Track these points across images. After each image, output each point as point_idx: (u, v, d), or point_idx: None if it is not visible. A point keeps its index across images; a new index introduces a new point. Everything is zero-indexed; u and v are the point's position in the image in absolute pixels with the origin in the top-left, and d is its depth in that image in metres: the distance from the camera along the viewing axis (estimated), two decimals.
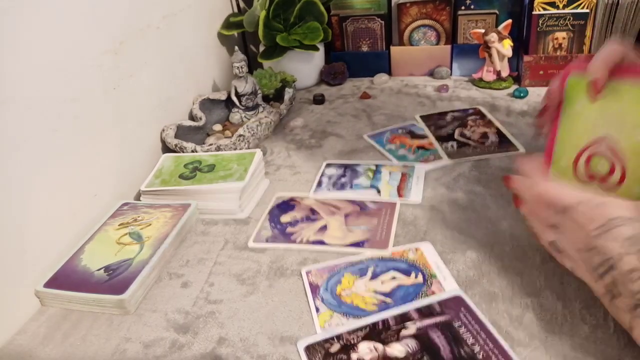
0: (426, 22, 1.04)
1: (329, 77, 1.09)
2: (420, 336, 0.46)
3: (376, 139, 0.84)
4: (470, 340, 0.45)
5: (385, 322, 0.48)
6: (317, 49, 1.04)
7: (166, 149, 0.81)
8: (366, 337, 0.47)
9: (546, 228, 0.45)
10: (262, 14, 0.98)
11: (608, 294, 0.39)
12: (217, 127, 0.90)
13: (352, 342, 0.46)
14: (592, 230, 0.39)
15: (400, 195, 0.68)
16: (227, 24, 1.04)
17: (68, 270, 0.57)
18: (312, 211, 0.67)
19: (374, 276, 0.54)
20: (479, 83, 1.00)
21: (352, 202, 0.68)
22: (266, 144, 0.87)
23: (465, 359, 0.43)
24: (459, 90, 1.00)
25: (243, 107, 0.91)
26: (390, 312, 0.49)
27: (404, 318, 0.48)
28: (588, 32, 0.92)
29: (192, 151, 0.77)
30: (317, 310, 0.51)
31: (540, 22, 0.92)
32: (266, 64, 1.04)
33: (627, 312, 0.38)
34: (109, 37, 0.70)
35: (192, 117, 0.90)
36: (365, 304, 0.51)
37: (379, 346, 0.45)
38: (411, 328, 0.47)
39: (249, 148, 0.82)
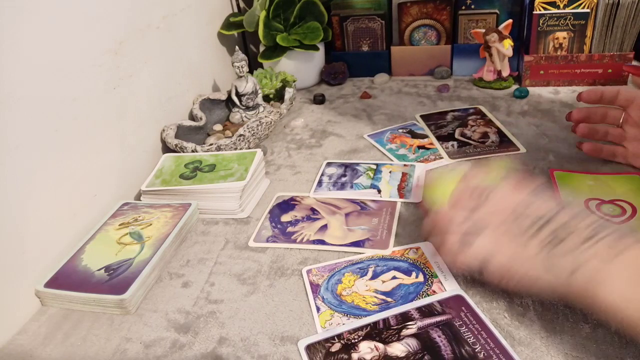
0: (427, 21, 1.04)
1: (329, 77, 1.09)
2: (421, 335, 0.46)
3: (376, 139, 0.84)
4: (471, 340, 0.45)
5: (386, 321, 0.48)
6: (317, 48, 1.04)
7: (166, 149, 0.81)
8: (367, 337, 0.46)
9: (459, 224, 0.49)
10: (262, 14, 0.98)
11: (547, 245, 0.42)
12: (218, 127, 0.90)
13: (352, 341, 0.46)
14: (518, 203, 0.46)
15: (400, 195, 0.68)
16: (227, 24, 1.04)
17: (68, 270, 0.57)
18: (313, 211, 0.67)
19: (375, 276, 0.54)
20: (480, 83, 1.00)
21: (353, 201, 0.68)
22: (266, 143, 0.87)
23: (466, 358, 0.43)
24: (460, 90, 1.00)
25: (243, 107, 0.91)
26: (391, 312, 0.49)
27: (404, 317, 0.48)
28: (588, 32, 0.92)
29: (193, 151, 0.77)
30: (318, 309, 0.51)
31: (541, 21, 0.92)
32: (266, 64, 1.04)
33: (572, 252, 0.41)
34: (109, 37, 0.70)
35: (192, 117, 0.90)
36: (365, 304, 0.51)
37: (380, 345, 0.45)
38: (412, 327, 0.47)
39: (249, 148, 0.82)
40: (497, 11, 1.00)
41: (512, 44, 0.94)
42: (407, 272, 0.54)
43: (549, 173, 0.67)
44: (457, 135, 0.82)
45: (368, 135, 0.86)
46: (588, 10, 0.90)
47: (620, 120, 0.67)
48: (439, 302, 0.50)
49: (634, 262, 0.39)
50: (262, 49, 1.05)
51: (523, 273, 0.44)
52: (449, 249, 0.49)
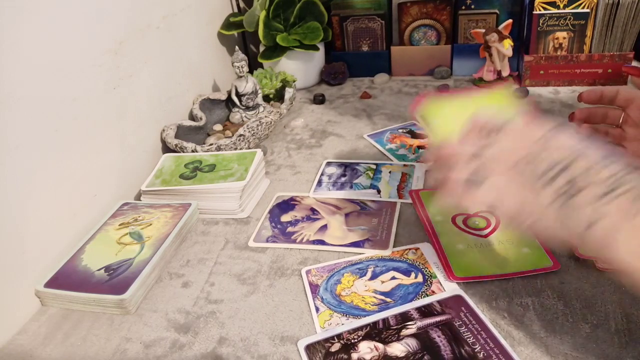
0: (426, 21, 1.04)
1: (329, 77, 1.09)
2: (421, 335, 0.46)
3: (376, 139, 0.84)
4: (470, 340, 0.45)
5: (385, 321, 0.48)
6: (317, 48, 1.04)
7: (166, 149, 0.81)
8: (366, 337, 0.47)
9: (467, 162, 0.43)
10: (262, 14, 0.98)
11: (562, 195, 0.38)
12: (218, 127, 0.90)
13: (352, 341, 0.46)
14: (533, 143, 0.40)
15: (400, 195, 0.68)
16: (227, 24, 1.04)
17: (68, 270, 0.57)
18: (313, 211, 0.67)
19: (374, 276, 0.54)
20: (479, 83, 1.00)
21: (352, 201, 0.68)
22: (266, 143, 0.87)
23: (466, 358, 0.43)
24: (460, 90, 1.00)
25: (243, 107, 0.91)
26: (390, 312, 0.49)
27: (404, 317, 0.48)
28: (588, 32, 0.92)
29: (193, 151, 0.77)
30: (317, 310, 0.51)
31: (541, 21, 0.92)
32: (266, 64, 1.04)
33: (590, 205, 0.37)
34: (109, 37, 0.70)
35: (192, 117, 0.90)
36: (364, 304, 0.51)
37: (380, 345, 0.45)
38: (411, 327, 0.47)
39: (249, 148, 0.82)
40: (497, 11, 1.00)
41: (512, 44, 0.94)
42: (406, 273, 0.54)
43: None
44: None
45: (368, 135, 0.86)
46: (588, 10, 0.90)
47: (620, 121, 0.67)
48: (439, 302, 0.50)
49: None
50: (262, 49, 1.05)
51: (534, 221, 0.40)
52: (453, 189, 0.44)
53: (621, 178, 0.37)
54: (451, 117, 0.49)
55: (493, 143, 0.43)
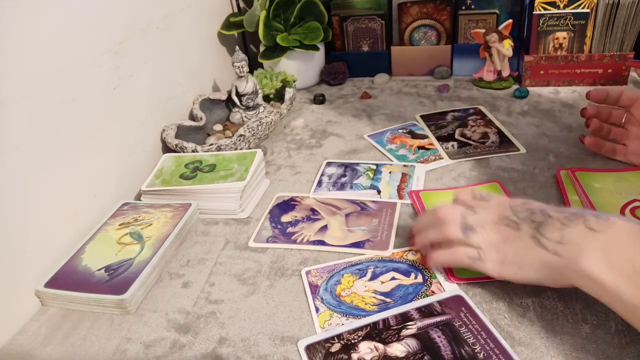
0: (427, 21, 1.04)
1: (329, 77, 1.09)
2: (421, 336, 0.46)
3: (376, 139, 0.84)
4: (470, 340, 0.45)
5: (385, 321, 0.48)
6: (317, 48, 1.04)
7: (167, 149, 0.81)
8: (366, 337, 0.47)
9: (458, 226, 0.51)
10: (262, 14, 0.98)
11: (535, 234, 0.46)
12: (218, 127, 0.90)
13: (352, 341, 0.46)
14: (512, 204, 0.50)
15: (400, 195, 0.68)
16: (227, 24, 1.04)
17: (69, 270, 0.57)
18: (313, 211, 0.67)
19: (374, 277, 0.54)
20: (480, 83, 1.00)
21: (353, 202, 0.68)
22: (267, 143, 0.87)
23: (466, 358, 0.43)
24: (460, 90, 1.00)
25: (243, 107, 0.91)
26: (390, 312, 0.49)
27: (404, 318, 0.48)
28: (589, 32, 0.91)
29: (193, 151, 0.77)
30: (317, 310, 0.51)
31: (541, 21, 0.92)
32: (266, 64, 1.04)
33: (561, 226, 0.44)
34: (109, 37, 0.70)
35: (192, 117, 0.90)
36: (364, 304, 0.51)
37: (380, 346, 0.45)
38: (412, 328, 0.47)
39: (249, 148, 0.82)
40: (497, 11, 1.00)
41: (512, 44, 0.94)
42: (406, 273, 0.54)
43: (556, 172, 0.68)
44: (457, 136, 0.82)
45: (368, 136, 0.86)
46: (588, 10, 0.90)
47: (623, 120, 0.68)
48: (439, 302, 0.50)
49: (617, 235, 0.41)
50: (262, 49, 1.05)
51: (515, 250, 0.47)
52: (451, 240, 0.51)
53: (584, 209, 0.48)
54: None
55: (482, 202, 0.52)
